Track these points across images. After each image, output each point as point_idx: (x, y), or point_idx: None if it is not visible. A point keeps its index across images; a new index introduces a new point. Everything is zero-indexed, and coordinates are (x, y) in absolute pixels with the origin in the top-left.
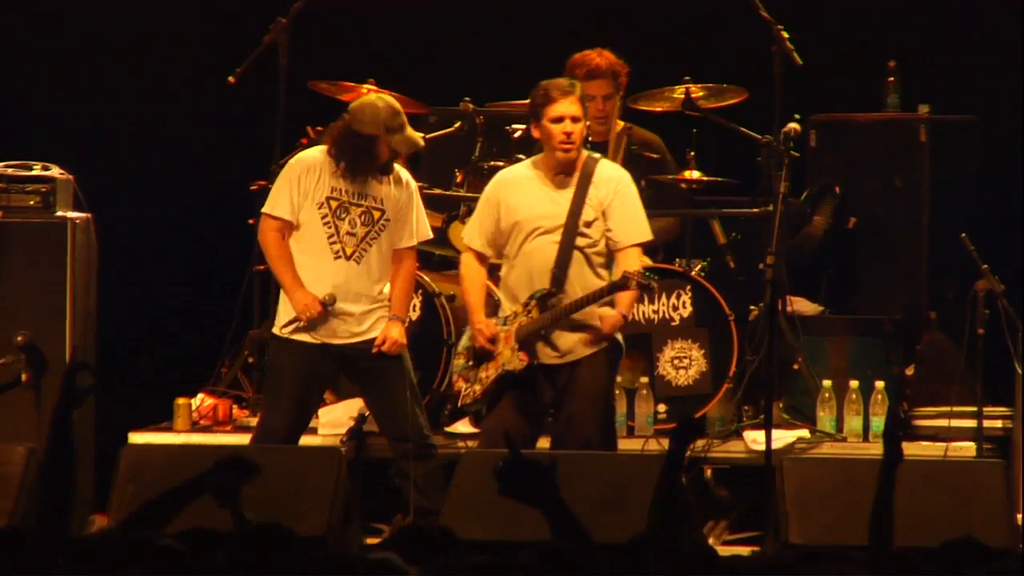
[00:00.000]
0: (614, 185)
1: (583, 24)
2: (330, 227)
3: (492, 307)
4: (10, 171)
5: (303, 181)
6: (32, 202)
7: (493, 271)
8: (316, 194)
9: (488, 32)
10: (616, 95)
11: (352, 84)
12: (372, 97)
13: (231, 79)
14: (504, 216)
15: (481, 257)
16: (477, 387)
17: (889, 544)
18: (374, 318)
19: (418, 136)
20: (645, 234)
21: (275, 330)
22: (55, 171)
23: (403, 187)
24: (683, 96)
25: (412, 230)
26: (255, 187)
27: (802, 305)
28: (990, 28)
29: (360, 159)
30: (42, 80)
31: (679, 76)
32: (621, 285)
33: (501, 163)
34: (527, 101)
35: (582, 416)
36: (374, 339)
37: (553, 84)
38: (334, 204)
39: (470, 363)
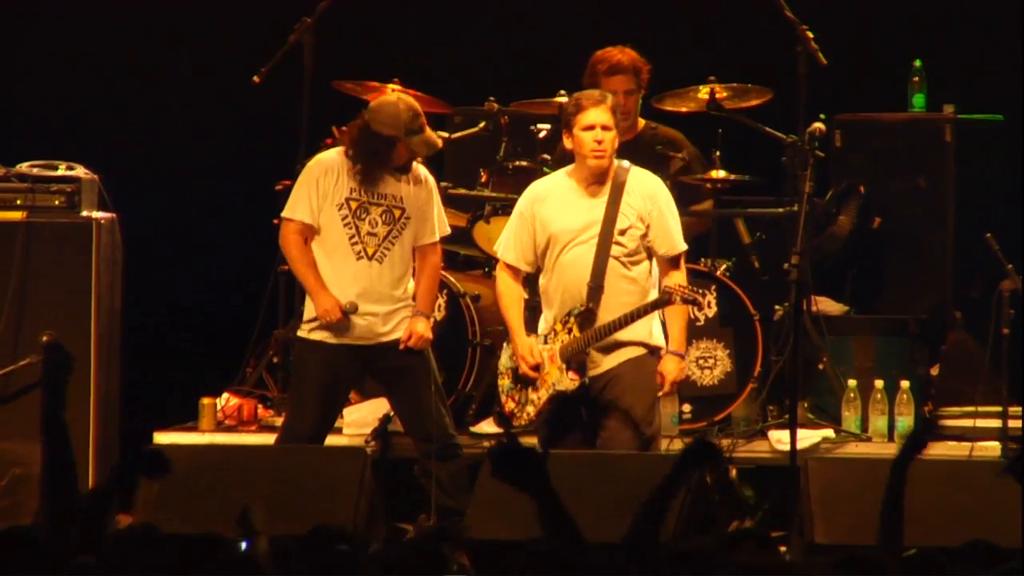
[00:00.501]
0: (652, 194)
1: (608, 24)
2: (351, 228)
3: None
4: (35, 171)
5: (322, 183)
6: (57, 202)
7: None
8: (335, 195)
9: (513, 32)
10: (638, 92)
11: (377, 84)
12: (392, 97)
13: (256, 79)
14: (539, 229)
15: (516, 272)
16: (531, 409)
17: (899, 546)
18: (399, 318)
19: (436, 137)
20: (682, 243)
21: (300, 332)
22: (80, 171)
23: (422, 184)
24: (708, 96)
25: (433, 226)
26: (280, 187)
27: (827, 305)
28: (1016, 27)
29: (376, 161)
30: (67, 80)
31: (704, 76)
32: (664, 302)
33: (525, 163)
34: (551, 100)
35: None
36: (398, 339)
37: (584, 94)
38: (354, 204)
39: (516, 384)
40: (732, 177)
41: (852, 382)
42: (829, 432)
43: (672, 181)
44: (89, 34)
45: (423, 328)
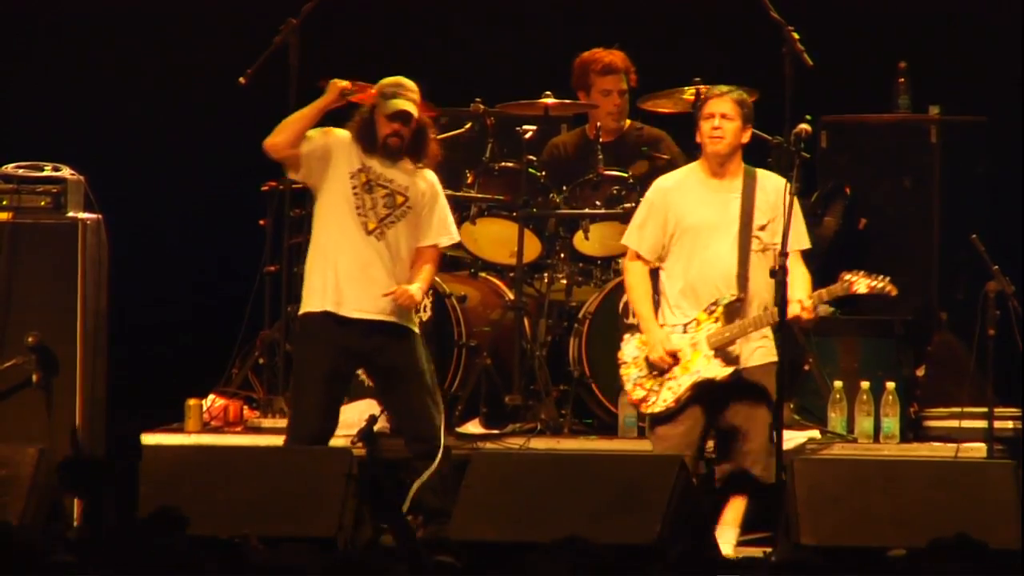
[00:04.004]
0: (782, 192)
1: (593, 25)
2: (359, 198)
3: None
4: (21, 172)
5: (336, 149)
6: (43, 203)
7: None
8: (349, 162)
9: (499, 33)
10: (628, 92)
11: (362, 85)
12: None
13: (242, 80)
14: (672, 221)
15: (646, 264)
16: (669, 395)
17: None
18: (394, 314)
19: (405, 104)
20: (807, 240)
21: (301, 310)
22: (66, 172)
23: (428, 185)
24: (693, 97)
25: (433, 229)
26: (266, 188)
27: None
28: (1000, 29)
29: (366, 131)
30: (52, 81)
31: (690, 77)
32: (845, 289)
33: (511, 164)
34: (537, 101)
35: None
36: (394, 324)
37: (711, 88)
38: (363, 178)
39: (644, 372)
40: None
41: (838, 383)
42: (815, 433)
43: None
44: (75, 36)
45: (415, 289)
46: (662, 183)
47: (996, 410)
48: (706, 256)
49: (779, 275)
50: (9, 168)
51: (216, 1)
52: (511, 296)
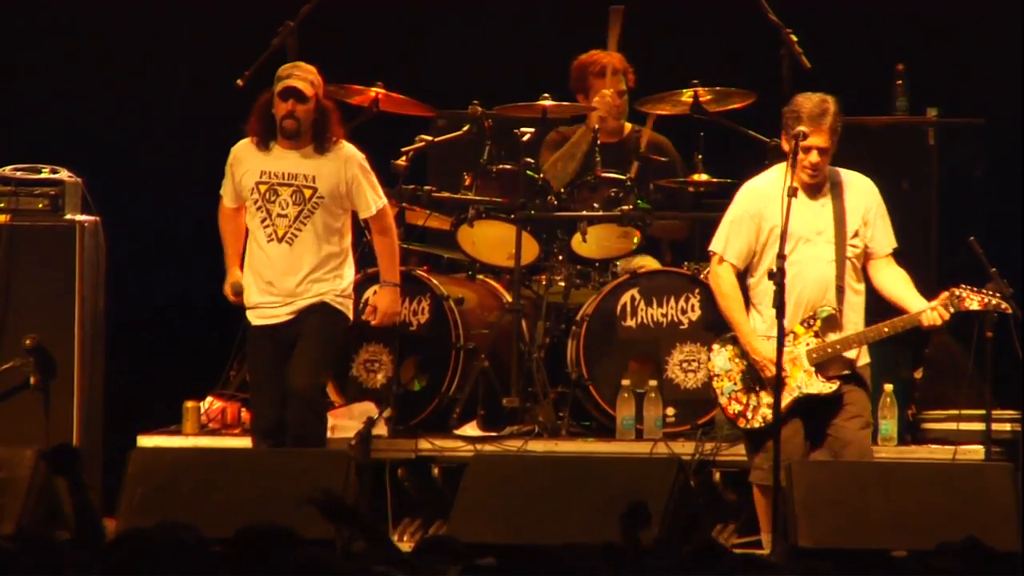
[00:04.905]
0: (872, 195)
1: (591, 27)
2: (262, 211)
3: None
4: (19, 174)
5: (236, 170)
6: (41, 205)
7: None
8: (246, 182)
9: (496, 35)
10: (627, 93)
11: (360, 87)
12: None
13: (239, 82)
14: (764, 227)
15: (736, 270)
16: (768, 411)
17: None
18: (303, 302)
19: (293, 82)
20: (894, 241)
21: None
22: (64, 174)
23: (342, 161)
24: (691, 99)
25: (367, 200)
26: None
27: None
28: (997, 31)
29: (264, 121)
30: (50, 83)
31: (687, 79)
32: (956, 306)
33: (509, 166)
34: (535, 103)
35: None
36: (301, 311)
37: (807, 114)
38: (263, 188)
39: (739, 386)
40: (715, 180)
41: None
42: None
43: (654, 184)
44: (73, 38)
45: (388, 302)
46: (751, 188)
47: (994, 412)
48: (799, 262)
49: (778, 277)
50: (7, 170)
51: (214, 3)
52: (509, 298)
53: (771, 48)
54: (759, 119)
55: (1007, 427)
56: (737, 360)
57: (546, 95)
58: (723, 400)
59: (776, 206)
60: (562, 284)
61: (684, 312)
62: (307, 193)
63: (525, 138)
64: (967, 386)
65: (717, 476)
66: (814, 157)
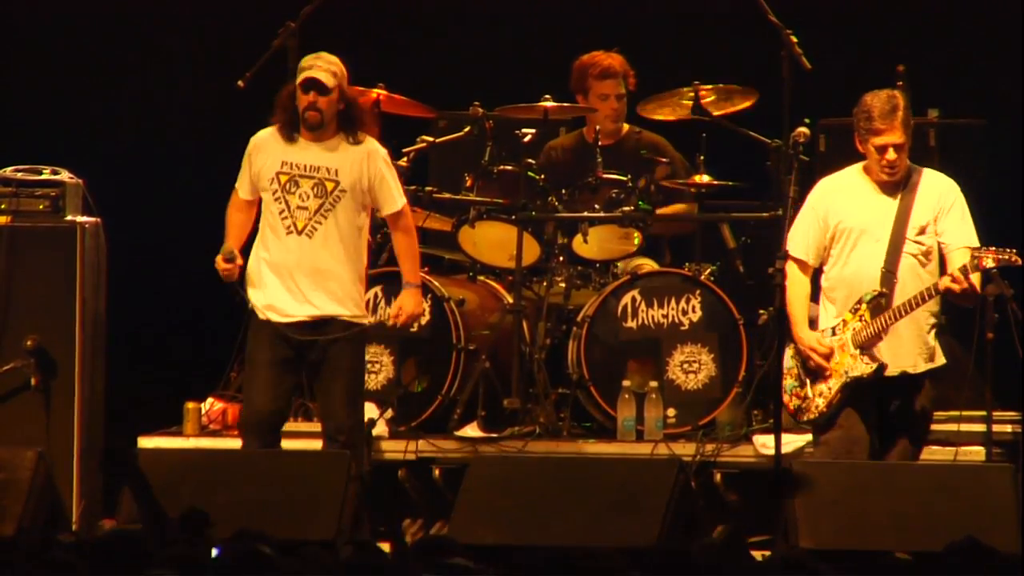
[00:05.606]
0: (947, 192)
1: (593, 28)
2: (280, 202)
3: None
4: (20, 175)
5: (255, 160)
6: (41, 206)
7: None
8: (266, 171)
9: (498, 36)
10: (627, 96)
11: (362, 89)
12: None
13: (240, 83)
14: (831, 222)
15: (804, 266)
16: (820, 401)
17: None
18: (324, 298)
19: (314, 73)
20: (975, 239)
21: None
22: (64, 175)
23: (366, 156)
24: (692, 101)
25: (393, 196)
26: None
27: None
28: (998, 32)
29: (288, 112)
30: (51, 84)
31: (688, 81)
32: (975, 266)
33: (510, 167)
34: (536, 104)
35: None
36: (327, 318)
37: (879, 112)
38: (283, 179)
39: (796, 382)
40: (716, 182)
41: None
42: None
43: (656, 186)
44: (73, 38)
45: (412, 304)
46: (825, 184)
47: (995, 414)
48: (854, 257)
49: (777, 277)
50: (8, 171)
51: (215, 4)
52: (510, 299)
53: (772, 49)
54: (760, 120)
55: (1008, 428)
56: (797, 356)
57: (547, 96)
58: (786, 398)
59: (844, 201)
60: (563, 285)
61: (685, 313)
62: (329, 186)
63: (526, 139)
64: (968, 387)
65: (718, 477)
66: (891, 155)
